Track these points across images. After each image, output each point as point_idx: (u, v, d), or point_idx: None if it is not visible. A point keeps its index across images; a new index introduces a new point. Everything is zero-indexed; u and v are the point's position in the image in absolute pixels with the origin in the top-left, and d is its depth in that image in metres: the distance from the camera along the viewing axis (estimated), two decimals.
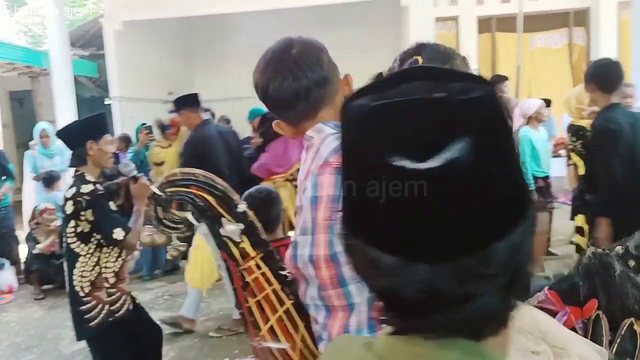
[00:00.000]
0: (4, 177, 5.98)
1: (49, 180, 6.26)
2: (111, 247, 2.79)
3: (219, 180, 1.22)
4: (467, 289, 0.53)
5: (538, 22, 9.20)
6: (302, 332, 1.17)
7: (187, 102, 4.55)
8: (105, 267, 2.79)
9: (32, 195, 6.63)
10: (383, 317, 0.61)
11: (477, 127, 0.52)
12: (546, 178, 5.20)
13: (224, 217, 1.18)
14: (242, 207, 1.22)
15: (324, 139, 1.20)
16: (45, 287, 5.72)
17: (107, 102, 10.39)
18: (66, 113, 7.89)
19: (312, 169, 1.18)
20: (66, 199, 2.74)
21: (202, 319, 4.70)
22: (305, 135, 1.26)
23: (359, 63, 10.63)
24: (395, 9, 9.54)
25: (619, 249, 2.00)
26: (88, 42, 11.05)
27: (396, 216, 0.53)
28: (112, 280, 2.80)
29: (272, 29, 10.64)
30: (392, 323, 0.61)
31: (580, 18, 9.37)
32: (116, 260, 2.83)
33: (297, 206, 1.23)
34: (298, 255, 1.15)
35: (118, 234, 2.73)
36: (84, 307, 2.73)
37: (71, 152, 2.87)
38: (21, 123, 11.29)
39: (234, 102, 8.77)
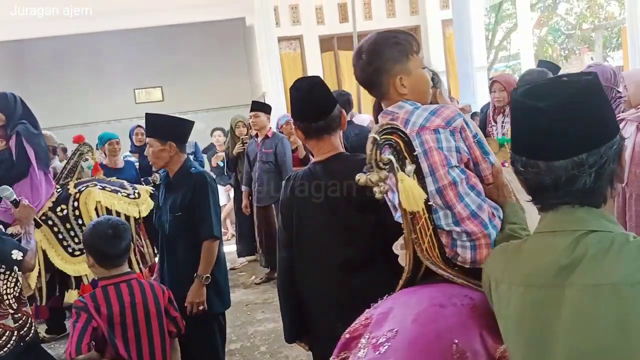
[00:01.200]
0: None
1: None
2: (9, 272, 2.78)
3: (403, 128, 1.46)
4: (575, 172, 1.02)
5: None
6: (436, 251, 1.54)
7: None
8: (6, 294, 2.77)
9: None
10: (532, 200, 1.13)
11: (579, 87, 1.05)
12: None
13: (406, 158, 1.41)
14: (418, 150, 1.49)
15: (410, 112, 1.61)
16: None
17: None
18: None
19: (408, 134, 1.53)
20: None
21: None
22: (387, 110, 1.67)
23: (214, 81, 10.60)
24: (241, 28, 9.67)
25: None
26: None
27: (543, 137, 1.05)
28: (15, 306, 2.80)
29: (113, 51, 10.27)
30: (538, 202, 1.12)
31: None
32: (15, 286, 2.84)
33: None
34: (429, 192, 1.50)
35: (16, 254, 2.75)
36: None
37: None
38: None
39: (81, 129, 8.20)
